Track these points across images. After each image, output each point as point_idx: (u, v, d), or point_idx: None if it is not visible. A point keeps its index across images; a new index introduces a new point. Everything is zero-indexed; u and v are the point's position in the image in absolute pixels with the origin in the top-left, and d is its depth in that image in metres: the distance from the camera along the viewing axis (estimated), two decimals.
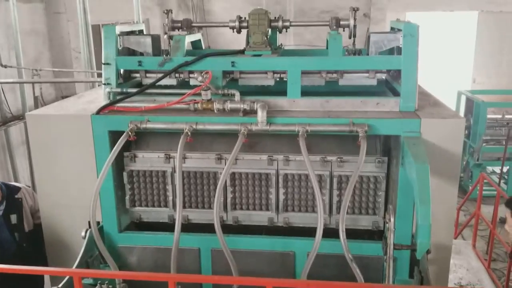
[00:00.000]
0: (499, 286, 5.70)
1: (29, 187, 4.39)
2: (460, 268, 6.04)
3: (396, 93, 3.70)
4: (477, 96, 9.14)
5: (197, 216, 3.86)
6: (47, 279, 4.61)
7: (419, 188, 2.87)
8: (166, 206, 3.87)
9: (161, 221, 3.92)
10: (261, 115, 3.39)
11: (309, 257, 3.23)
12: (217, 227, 3.30)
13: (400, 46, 3.62)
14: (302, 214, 3.73)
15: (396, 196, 3.43)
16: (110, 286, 3.48)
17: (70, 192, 3.76)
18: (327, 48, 3.80)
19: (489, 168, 9.45)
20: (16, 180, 6.58)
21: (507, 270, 5.60)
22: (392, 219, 2.92)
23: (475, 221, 6.57)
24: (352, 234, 3.44)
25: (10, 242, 4.11)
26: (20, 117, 6.35)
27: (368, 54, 3.78)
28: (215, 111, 3.55)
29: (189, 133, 3.45)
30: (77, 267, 3.42)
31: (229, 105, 3.52)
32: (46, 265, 3.98)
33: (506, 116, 9.16)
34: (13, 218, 4.14)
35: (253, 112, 3.49)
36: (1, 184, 4.21)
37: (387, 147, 3.71)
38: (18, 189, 4.29)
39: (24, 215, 4.23)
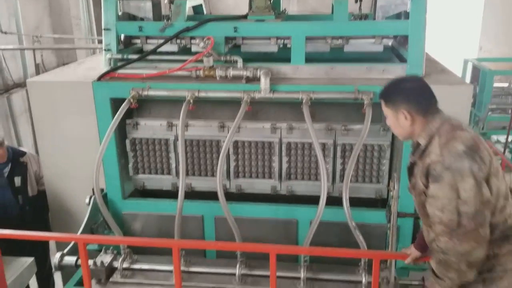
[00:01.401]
0: None
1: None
2: None
3: (402, 60, 3.63)
4: (483, 64, 8.98)
5: (200, 184, 3.86)
6: (52, 245, 4.69)
7: None
8: (169, 173, 3.87)
9: (164, 188, 3.93)
10: (264, 83, 3.34)
11: (312, 224, 3.24)
12: (221, 194, 3.30)
13: (408, 11, 3.52)
14: (305, 182, 3.73)
15: (401, 165, 3.40)
16: (115, 252, 3.52)
17: (74, 160, 3.76)
18: (332, 14, 3.70)
19: (494, 137, 9.37)
20: None
21: None
22: (396, 187, 2.91)
23: None
24: (355, 202, 3.44)
25: (13, 204, 4.15)
26: (22, 85, 6.31)
27: (374, 19, 3.68)
28: (217, 78, 3.50)
29: (191, 101, 3.41)
30: (81, 233, 3.45)
31: (231, 72, 3.47)
32: (47, 231, 4.03)
33: None
34: (17, 180, 4.18)
35: (256, 79, 3.43)
36: (7, 146, 4.23)
37: None
38: (23, 153, 4.32)
39: (28, 179, 4.26)
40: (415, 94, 2.30)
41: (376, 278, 2.74)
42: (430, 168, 2.11)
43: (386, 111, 2.37)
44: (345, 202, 3.15)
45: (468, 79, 9.39)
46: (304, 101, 3.30)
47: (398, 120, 2.31)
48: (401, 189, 3.02)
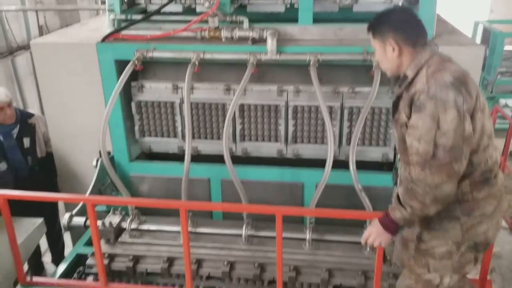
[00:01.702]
0: (507, 218, 5.78)
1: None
2: None
3: None
4: (494, 26, 8.77)
5: (206, 147, 3.86)
6: (61, 206, 4.76)
7: None
8: (175, 136, 3.87)
9: (170, 151, 3.94)
10: (270, 44, 3.28)
11: (318, 187, 3.26)
12: (227, 157, 3.31)
13: None
14: (312, 146, 3.72)
15: None
16: (123, 213, 3.58)
17: (80, 122, 3.76)
18: None
19: (502, 101, 9.26)
20: None
21: None
22: None
23: None
24: (361, 166, 3.44)
25: (23, 165, 4.19)
26: (25, 47, 6.25)
27: None
28: (223, 40, 3.44)
29: (196, 63, 3.37)
30: (90, 194, 3.49)
31: (237, 33, 3.40)
32: (57, 192, 4.08)
33: None
34: (26, 142, 4.20)
35: (262, 40, 3.37)
36: (15, 108, 4.24)
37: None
38: (31, 115, 4.33)
39: (37, 141, 4.28)
40: (403, 24, 2.22)
41: None
42: (415, 98, 2.05)
43: (374, 43, 2.31)
44: (352, 165, 3.15)
45: (478, 42, 9.20)
46: (311, 63, 3.25)
47: (386, 52, 2.24)
48: None
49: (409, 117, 2.09)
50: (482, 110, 2.05)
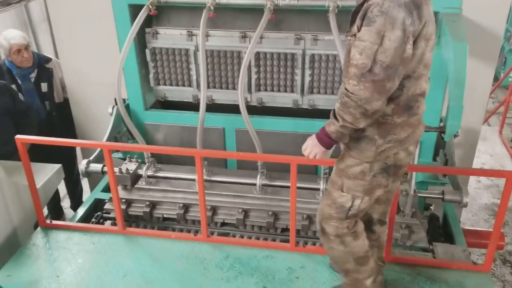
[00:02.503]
0: None
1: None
2: (483, 154, 6.06)
3: None
4: None
5: (221, 96, 3.82)
6: (78, 153, 4.84)
7: (455, 68, 2.72)
8: (190, 85, 3.83)
9: (185, 100, 3.92)
10: None
11: None
12: (242, 107, 3.28)
13: None
14: (328, 97, 3.65)
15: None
16: (139, 160, 3.61)
17: (94, 69, 3.75)
18: None
19: None
20: None
21: None
22: None
23: (505, 108, 6.43)
24: None
25: (40, 109, 4.24)
26: None
27: None
28: None
29: (211, 8, 3.27)
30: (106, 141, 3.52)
31: None
32: (75, 138, 4.13)
33: None
34: (44, 86, 4.23)
35: None
36: (34, 52, 4.23)
37: None
38: (49, 59, 4.33)
39: (54, 86, 4.30)
40: None
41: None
42: (368, 10, 2.04)
43: None
44: None
45: None
46: (330, 9, 3.14)
47: None
48: (426, 103, 2.95)
49: (359, 29, 2.09)
50: (426, 39, 2.05)
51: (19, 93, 3.97)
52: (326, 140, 2.27)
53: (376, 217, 2.61)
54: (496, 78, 7.77)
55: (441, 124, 3.28)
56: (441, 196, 3.15)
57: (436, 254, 3.06)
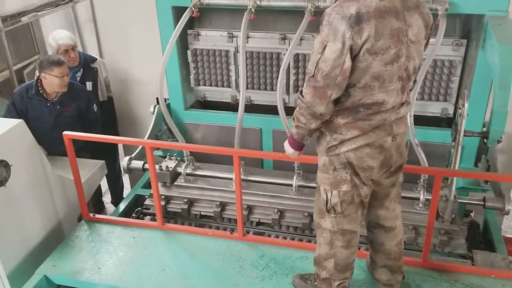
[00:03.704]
0: None
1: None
2: None
3: None
4: None
5: (259, 97, 3.87)
6: (120, 150, 4.98)
7: (500, 72, 2.65)
8: (229, 86, 3.89)
9: (224, 100, 3.98)
10: None
11: None
12: (280, 108, 3.31)
13: None
14: None
15: (472, 82, 3.22)
16: (178, 158, 3.70)
17: (137, 69, 3.86)
18: None
19: None
20: None
21: None
22: (465, 105, 2.78)
23: None
24: (419, 121, 3.35)
25: None
26: None
27: None
28: None
29: (252, 10, 3.31)
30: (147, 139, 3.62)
31: None
32: (118, 135, 4.25)
33: None
34: (89, 85, 4.38)
35: None
36: (80, 51, 4.39)
37: (466, 29, 3.40)
38: (94, 59, 4.48)
39: (99, 85, 4.45)
40: None
41: (436, 195, 2.73)
42: (322, 18, 2.11)
43: None
44: (409, 118, 3.07)
45: None
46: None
47: None
48: (470, 107, 2.90)
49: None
50: (373, 53, 2.04)
51: (94, 105, 4.15)
52: (292, 142, 2.43)
53: (374, 220, 2.60)
54: None
55: (484, 129, 3.20)
56: (482, 203, 3.08)
57: (476, 261, 3.00)
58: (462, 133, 2.84)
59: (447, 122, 3.55)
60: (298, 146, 2.43)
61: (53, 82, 3.71)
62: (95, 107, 4.10)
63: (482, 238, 3.45)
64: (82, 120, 3.98)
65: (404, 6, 2.12)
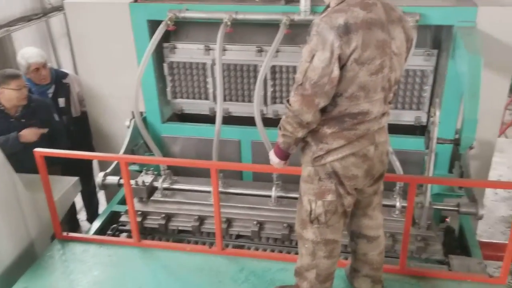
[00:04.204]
0: None
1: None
2: (501, 166, 5.99)
3: None
4: None
5: (237, 109, 3.87)
6: (95, 165, 4.90)
7: (469, 81, 2.74)
8: (206, 98, 3.89)
9: (202, 113, 3.97)
10: (304, 4, 3.22)
11: None
12: (258, 120, 3.32)
13: None
14: None
15: (443, 91, 3.30)
16: (155, 173, 3.66)
17: (113, 83, 3.82)
18: None
19: None
20: None
21: None
22: (437, 113, 2.84)
23: None
24: (393, 129, 3.40)
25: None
26: (59, 8, 6.29)
27: None
28: (256, 0, 3.38)
29: (228, 23, 3.34)
30: (123, 154, 3.57)
31: None
32: (92, 151, 4.19)
33: None
34: (61, 101, 4.30)
35: (296, 0, 3.30)
36: (50, 68, 4.32)
37: (437, 39, 3.50)
38: (66, 74, 4.42)
39: (72, 100, 4.38)
40: None
41: (411, 202, 2.77)
42: (311, 28, 2.15)
43: None
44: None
45: None
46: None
47: None
48: (442, 115, 2.96)
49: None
50: (360, 63, 2.09)
51: (55, 114, 4.07)
52: (278, 151, 2.42)
53: (357, 230, 2.62)
54: None
55: (457, 136, 3.27)
56: (456, 209, 3.14)
57: (452, 266, 3.04)
58: (435, 140, 2.90)
59: (421, 130, 3.61)
60: (284, 155, 2.43)
61: (11, 96, 3.64)
62: (55, 116, 4.03)
63: (458, 243, 3.50)
64: (46, 132, 3.90)
65: (388, 19, 2.17)
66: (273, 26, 3.34)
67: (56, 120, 4.04)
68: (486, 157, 3.58)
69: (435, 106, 2.89)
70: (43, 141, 3.67)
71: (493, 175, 5.55)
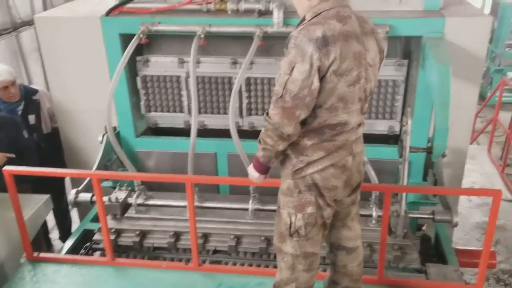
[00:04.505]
0: None
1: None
2: (473, 172, 6.10)
3: None
4: None
5: (212, 121, 3.85)
6: (67, 182, 4.79)
7: (439, 90, 2.78)
8: (181, 111, 3.86)
9: (177, 126, 3.93)
10: (277, 16, 3.23)
11: None
12: (233, 132, 3.31)
13: None
14: None
15: (414, 100, 3.35)
16: (129, 188, 3.59)
17: (85, 98, 3.76)
18: None
19: (510, 74, 9.16)
20: None
21: None
22: (409, 122, 2.88)
23: (492, 126, 6.51)
24: (367, 138, 3.43)
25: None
26: (30, 23, 6.19)
27: None
28: (229, 12, 3.39)
29: (202, 36, 3.33)
30: (96, 170, 3.50)
31: (243, 5, 3.35)
32: (64, 168, 4.10)
33: None
34: (31, 118, 4.21)
35: (269, 12, 3.32)
36: (20, 85, 4.22)
37: (407, 50, 3.56)
38: (35, 91, 4.32)
39: (42, 117, 4.29)
40: None
41: (387, 211, 2.78)
42: (288, 40, 2.17)
43: None
44: None
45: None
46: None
47: None
48: (414, 124, 2.99)
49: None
50: (339, 74, 2.13)
51: (24, 131, 3.97)
52: (257, 165, 2.39)
53: (336, 242, 2.61)
54: (483, 98, 7.94)
55: (429, 145, 3.31)
56: (431, 217, 3.17)
57: (429, 275, 3.05)
58: (407, 149, 2.94)
59: (395, 139, 3.66)
60: (264, 169, 2.40)
61: None
62: (25, 133, 3.93)
63: (434, 251, 3.53)
64: (14, 149, 3.80)
65: (362, 31, 2.21)
66: (247, 38, 3.35)
67: (25, 137, 3.94)
68: (459, 164, 3.63)
69: (407, 115, 2.93)
70: (12, 159, 3.57)
71: (466, 182, 5.66)
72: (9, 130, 3.78)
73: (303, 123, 2.20)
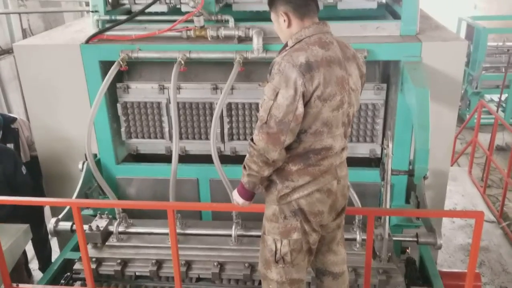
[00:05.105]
0: (494, 211, 5.83)
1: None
2: (455, 194, 6.15)
3: (396, 17, 3.55)
4: (478, 22, 8.86)
5: (194, 147, 3.84)
6: (47, 210, 4.68)
7: (418, 113, 2.82)
8: (162, 137, 3.84)
9: (158, 152, 3.91)
10: (256, 42, 3.27)
11: None
12: (215, 157, 3.29)
13: None
14: None
15: (394, 123, 3.39)
16: (110, 216, 3.53)
17: (64, 125, 3.71)
18: None
19: (487, 97, 9.36)
20: None
21: (502, 195, 5.72)
22: (390, 145, 2.90)
23: (472, 148, 6.60)
24: (350, 161, 3.44)
25: None
26: (9, 51, 6.16)
27: None
28: (209, 39, 3.42)
29: (182, 62, 3.34)
30: (76, 198, 3.43)
31: (223, 32, 3.38)
32: (43, 196, 4.01)
33: (507, 43, 8.92)
34: (10, 147, 4.13)
35: (248, 39, 3.36)
36: None
37: (386, 74, 3.62)
38: (14, 119, 4.27)
39: (21, 145, 4.22)
40: None
41: (370, 235, 2.77)
42: (272, 66, 2.19)
43: (272, 16, 2.39)
44: None
45: (462, 38, 9.26)
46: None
47: (280, 24, 2.34)
48: (395, 147, 3.01)
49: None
50: (323, 99, 2.16)
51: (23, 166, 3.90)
52: (242, 191, 2.37)
53: (322, 267, 2.60)
54: (462, 120, 8.08)
55: (411, 167, 3.34)
56: (415, 239, 3.16)
57: None
58: (389, 172, 2.95)
59: (376, 162, 3.68)
60: (249, 195, 2.38)
61: None
62: (23, 169, 3.86)
63: (419, 274, 3.51)
64: (9, 185, 3.72)
65: (344, 56, 2.25)
66: (227, 64, 3.37)
67: (23, 173, 3.87)
68: (441, 186, 3.66)
69: (388, 139, 2.96)
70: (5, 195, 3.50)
71: (448, 204, 5.70)
72: (7, 163, 3.70)
73: (288, 148, 2.21)
